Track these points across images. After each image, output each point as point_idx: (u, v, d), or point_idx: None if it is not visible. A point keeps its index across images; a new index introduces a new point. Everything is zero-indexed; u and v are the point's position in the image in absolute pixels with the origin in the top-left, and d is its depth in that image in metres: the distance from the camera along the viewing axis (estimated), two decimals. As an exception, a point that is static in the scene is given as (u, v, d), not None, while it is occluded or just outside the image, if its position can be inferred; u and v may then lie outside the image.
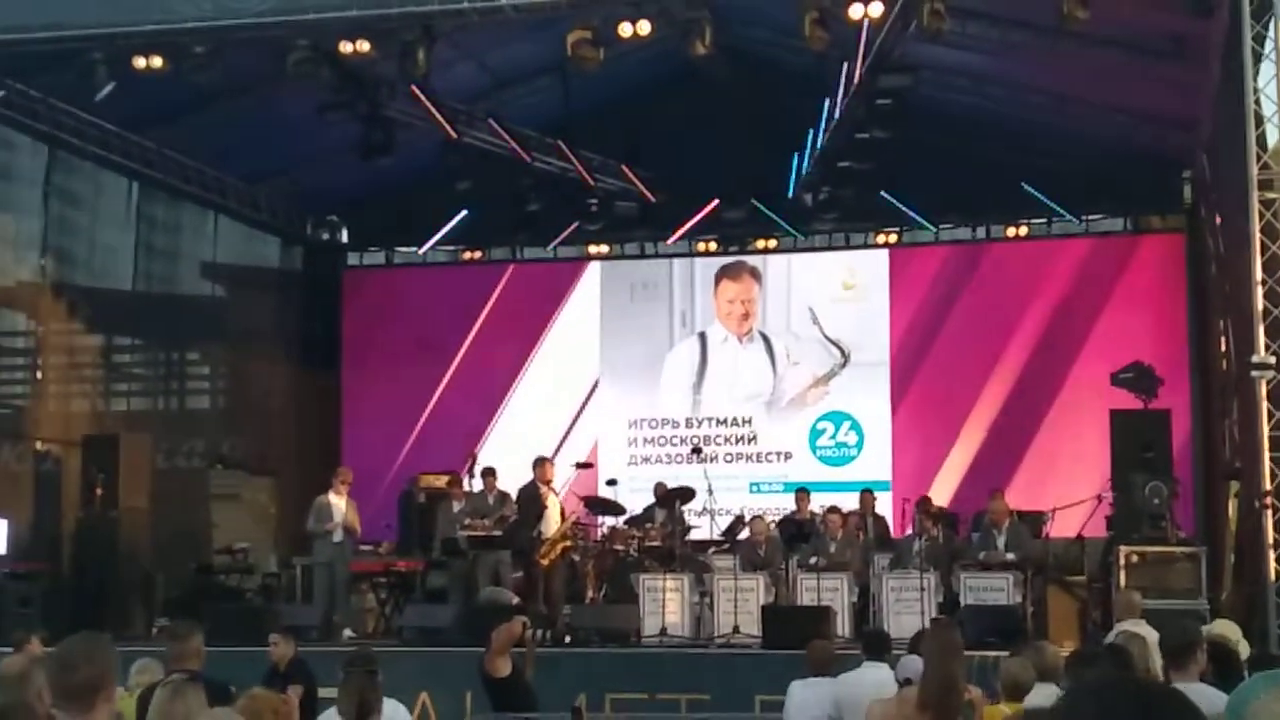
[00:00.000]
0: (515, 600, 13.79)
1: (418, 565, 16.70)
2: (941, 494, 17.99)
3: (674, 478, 16.96)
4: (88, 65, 14.55)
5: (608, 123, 18.59)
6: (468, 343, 20.70)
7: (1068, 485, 16.64)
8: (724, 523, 16.77)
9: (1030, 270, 19.29)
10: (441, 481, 17.20)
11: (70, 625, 9.51)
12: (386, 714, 6.96)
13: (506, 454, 17.78)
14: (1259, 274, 12.28)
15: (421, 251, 21.31)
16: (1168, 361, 17.95)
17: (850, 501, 16.76)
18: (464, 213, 20.12)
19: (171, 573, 17.19)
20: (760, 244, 20.37)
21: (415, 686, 12.17)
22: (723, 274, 20.33)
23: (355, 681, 6.80)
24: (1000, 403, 19.05)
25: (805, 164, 18.36)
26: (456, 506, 16.00)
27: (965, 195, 18.76)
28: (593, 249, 20.80)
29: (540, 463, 15.53)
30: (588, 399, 20.40)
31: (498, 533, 15.25)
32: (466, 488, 16.18)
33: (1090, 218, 19.34)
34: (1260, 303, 12.27)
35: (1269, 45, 12.58)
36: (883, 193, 18.70)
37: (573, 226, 20.10)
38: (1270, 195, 12.46)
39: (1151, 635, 7.68)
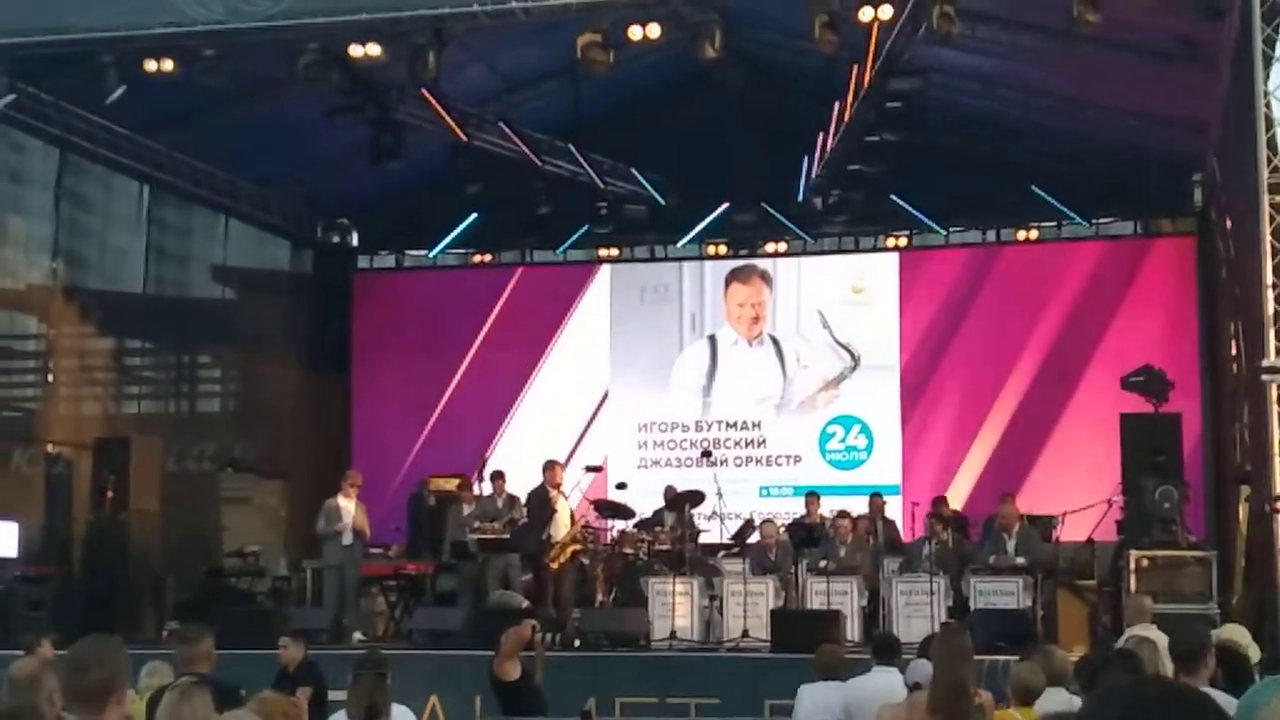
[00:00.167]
0: (525, 603, 13.79)
1: (427, 568, 16.71)
2: (952, 498, 17.88)
3: (684, 481, 16.88)
4: (98, 68, 14.59)
5: (618, 126, 18.60)
6: (477, 346, 20.68)
7: (1078, 489, 16.56)
8: (734, 526, 16.78)
9: (1040, 274, 19.24)
10: (451, 485, 17.22)
11: (81, 628, 9.50)
12: (394, 718, 6.96)
13: (516, 457, 17.80)
14: (1269, 277, 12.25)
15: (431, 255, 21.33)
16: (1178, 365, 17.91)
17: (860, 505, 16.74)
18: (474, 216, 20.15)
19: (182, 576, 17.23)
20: (770, 247, 20.33)
21: (425, 689, 12.18)
22: (733, 277, 20.31)
23: (364, 684, 6.80)
24: (1011, 406, 19.00)
25: (815, 167, 18.33)
26: (466, 510, 16.03)
27: (975, 198, 18.74)
28: (603, 252, 20.79)
29: (550, 466, 15.50)
30: (599, 403, 20.40)
31: (507, 536, 15.26)
32: (476, 491, 16.21)
33: (1101, 221, 19.29)
34: (1271, 306, 12.24)
35: (1279, 48, 12.57)
36: (893, 196, 18.69)
37: (583, 230, 20.11)
38: (1281, 198, 12.45)
39: (1162, 640, 7.66)
